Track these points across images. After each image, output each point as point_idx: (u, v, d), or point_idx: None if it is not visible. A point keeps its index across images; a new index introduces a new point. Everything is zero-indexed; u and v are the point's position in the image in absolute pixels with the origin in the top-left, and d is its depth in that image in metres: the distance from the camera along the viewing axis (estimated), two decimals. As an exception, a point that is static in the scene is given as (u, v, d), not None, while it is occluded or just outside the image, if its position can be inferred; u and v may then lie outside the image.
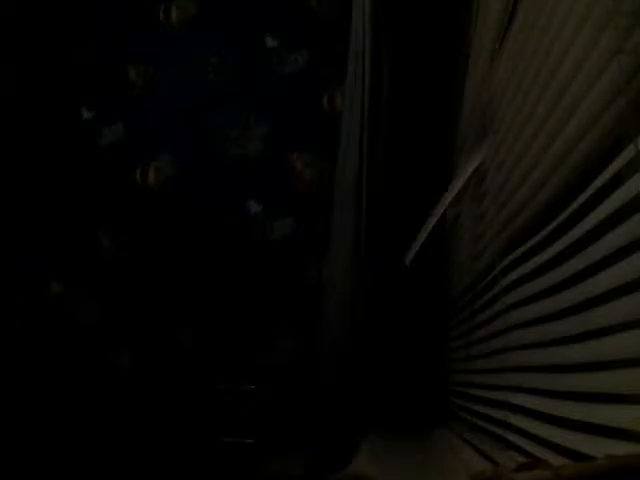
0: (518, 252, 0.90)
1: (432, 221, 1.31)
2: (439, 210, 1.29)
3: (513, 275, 0.91)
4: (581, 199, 0.65)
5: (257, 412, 2.21)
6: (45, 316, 2.35)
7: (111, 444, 2.18)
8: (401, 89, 1.66)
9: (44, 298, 2.37)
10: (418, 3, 1.67)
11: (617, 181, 0.57)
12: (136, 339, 2.33)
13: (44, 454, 2.16)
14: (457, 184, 1.23)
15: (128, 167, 2.42)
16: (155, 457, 2.16)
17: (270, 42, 2.45)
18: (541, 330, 0.77)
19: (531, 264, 0.83)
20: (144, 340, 2.33)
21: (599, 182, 0.60)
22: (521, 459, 0.78)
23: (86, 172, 2.44)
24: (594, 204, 0.62)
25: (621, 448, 0.53)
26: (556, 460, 0.67)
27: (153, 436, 2.19)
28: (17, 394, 2.23)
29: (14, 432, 2.16)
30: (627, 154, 0.55)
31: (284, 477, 1.99)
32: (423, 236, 1.33)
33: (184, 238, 2.39)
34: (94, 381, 2.28)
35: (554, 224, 0.74)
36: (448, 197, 1.26)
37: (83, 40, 2.48)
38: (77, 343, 2.32)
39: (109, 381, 2.29)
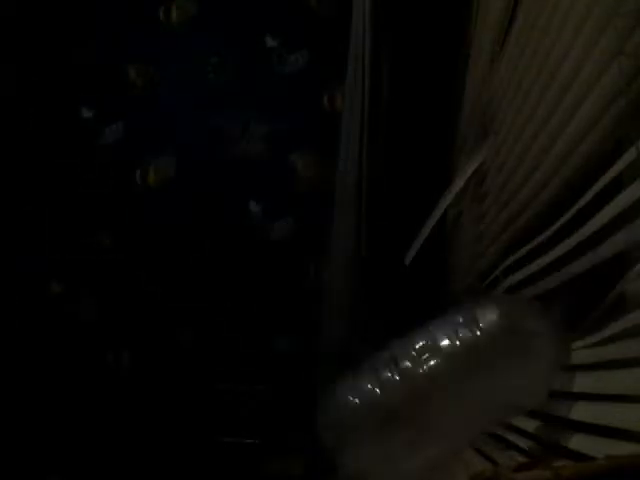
0: (519, 253, 0.90)
1: (433, 221, 1.31)
2: (440, 210, 1.29)
3: (514, 277, 0.91)
4: (583, 201, 0.65)
5: (257, 412, 2.21)
6: (45, 316, 2.35)
7: (111, 444, 2.18)
8: (401, 89, 1.66)
9: (44, 298, 2.37)
10: (418, 3, 1.67)
11: (619, 183, 0.57)
12: (136, 339, 2.33)
13: (44, 454, 2.16)
14: (458, 184, 1.23)
15: (128, 167, 2.42)
16: (155, 457, 2.16)
17: (270, 42, 2.45)
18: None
19: (533, 266, 0.83)
20: (144, 340, 2.33)
21: (601, 183, 0.60)
22: (521, 459, 0.78)
23: (86, 172, 2.44)
24: (597, 206, 0.62)
25: (621, 448, 0.54)
26: (556, 460, 0.67)
27: (153, 436, 2.19)
28: (17, 394, 2.23)
29: (14, 431, 2.16)
30: (628, 156, 0.55)
31: (284, 477, 2.00)
32: (424, 236, 1.33)
33: (184, 238, 2.39)
34: (94, 381, 2.28)
35: (556, 225, 0.74)
36: (449, 197, 1.26)
37: (83, 40, 2.48)
38: (77, 343, 2.32)
39: (109, 381, 2.29)
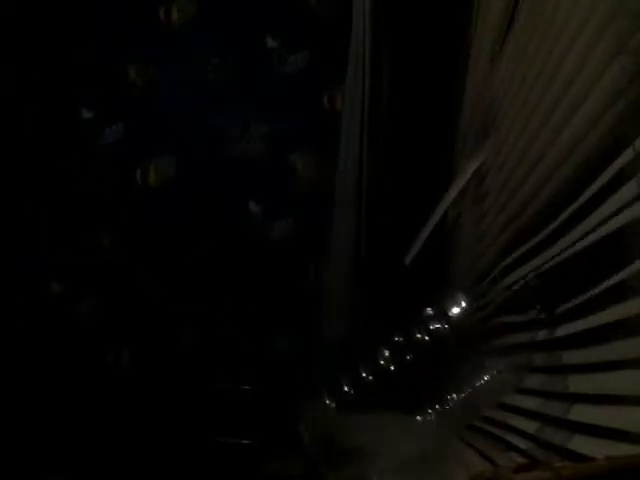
0: (518, 253, 0.90)
1: (433, 222, 1.31)
2: (440, 211, 1.29)
3: (512, 276, 0.91)
4: (582, 199, 0.65)
5: (257, 412, 2.21)
6: (45, 316, 2.35)
7: (111, 444, 2.18)
8: (401, 89, 1.66)
9: (44, 298, 2.37)
10: (418, 3, 1.67)
11: (618, 182, 0.57)
12: (136, 339, 2.33)
13: (44, 453, 2.16)
14: (458, 184, 1.23)
15: (128, 167, 2.42)
16: (154, 458, 2.16)
17: (270, 42, 2.45)
18: (543, 331, 0.77)
19: (531, 265, 0.83)
20: (144, 340, 2.33)
21: (600, 182, 0.60)
22: (521, 460, 0.77)
23: (86, 172, 2.44)
24: (595, 204, 0.62)
25: (621, 449, 0.53)
26: (556, 461, 0.67)
27: (152, 437, 2.19)
28: (17, 394, 2.23)
29: (15, 431, 2.16)
30: (628, 155, 0.55)
31: (284, 477, 2.00)
32: (424, 237, 1.33)
33: (184, 238, 2.39)
34: (94, 381, 2.28)
35: (554, 225, 0.74)
36: (449, 197, 1.26)
37: (83, 40, 2.48)
38: (77, 343, 2.32)
39: (108, 381, 2.29)
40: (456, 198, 1.26)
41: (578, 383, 0.66)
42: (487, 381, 0.69)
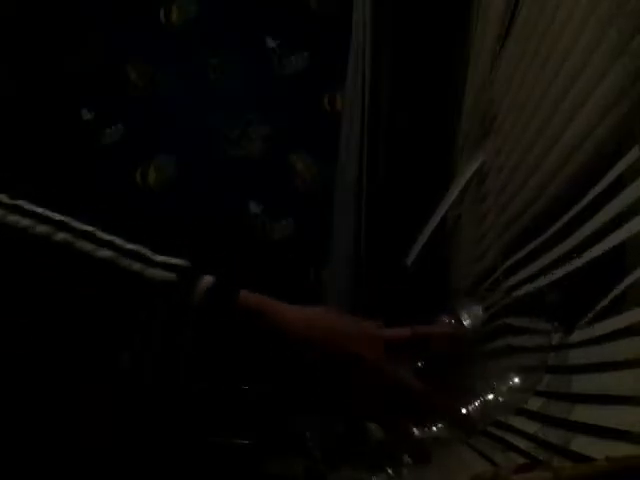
0: (519, 254, 0.90)
1: (434, 223, 1.31)
2: (441, 211, 1.29)
3: (515, 278, 0.91)
4: (585, 201, 0.65)
5: (257, 412, 2.21)
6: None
7: (112, 444, 2.18)
8: (402, 89, 1.66)
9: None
10: (419, 3, 1.67)
11: (622, 182, 0.57)
12: (136, 339, 2.33)
13: (43, 453, 2.15)
14: (459, 184, 1.23)
15: (128, 167, 2.42)
16: (153, 458, 2.15)
17: (270, 43, 2.45)
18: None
19: (534, 266, 0.83)
20: (143, 340, 2.33)
21: (604, 183, 0.60)
22: (521, 460, 0.77)
23: (86, 172, 2.43)
24: (599, 205, 0.62)
25: (622, 450, 0.53)
26: (556, 462, 0.67)
27: (151, 436, 2.18)
28: (17, 394, 2.23)
29: (13, 431, 2.15)
30: (631, 156, 0.55)
31: (284, 477, 1.99)
32: (425, 238, 1.33)
33: (184, 238, 2.39)
34: (93, 380, 2.28)
35: (556, 226, 0.74)
36: (450, 197, 1.26)
37: (83, 41, 2.48)
38: (77, 343, 2.32)
39: (108, 381, 2.28)
40: (457, 198, 1.26)
41: (579, 383, 0.66)
42: (501, 386, 0.69)
